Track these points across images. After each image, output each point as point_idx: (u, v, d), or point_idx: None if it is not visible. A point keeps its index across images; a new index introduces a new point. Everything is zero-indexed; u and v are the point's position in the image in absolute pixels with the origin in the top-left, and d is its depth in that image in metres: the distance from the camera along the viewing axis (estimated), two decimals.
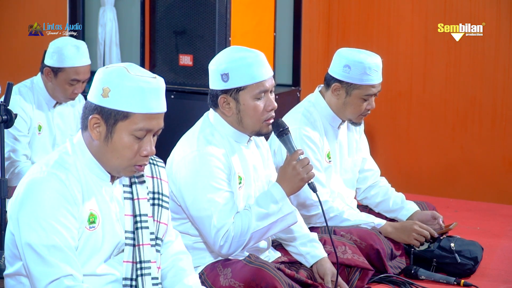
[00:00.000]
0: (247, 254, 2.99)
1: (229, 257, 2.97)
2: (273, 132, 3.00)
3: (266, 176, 3.14)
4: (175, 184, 2.92)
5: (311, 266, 3.21)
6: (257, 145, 3.15)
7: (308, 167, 2.87)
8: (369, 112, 3.67)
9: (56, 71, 4.06)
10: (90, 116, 2.27)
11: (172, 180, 2.93)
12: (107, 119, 2.26)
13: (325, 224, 3.58)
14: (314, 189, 2.90)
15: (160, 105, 2.28)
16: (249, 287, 2.84)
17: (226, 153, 2.93)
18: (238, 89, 2.91)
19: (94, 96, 2.28)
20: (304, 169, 2.86)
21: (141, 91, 2.24)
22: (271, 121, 2.96)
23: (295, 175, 2.86)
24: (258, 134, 3.01)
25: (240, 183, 2.98)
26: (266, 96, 2.94)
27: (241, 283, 2.84)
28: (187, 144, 2.95)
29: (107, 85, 2.25)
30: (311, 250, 3.20)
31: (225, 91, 2.93)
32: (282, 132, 2.93)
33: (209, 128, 2.97)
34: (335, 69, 3.62)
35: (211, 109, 3.02)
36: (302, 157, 2.89)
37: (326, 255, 3.21)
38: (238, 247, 2.87)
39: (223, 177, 2.89)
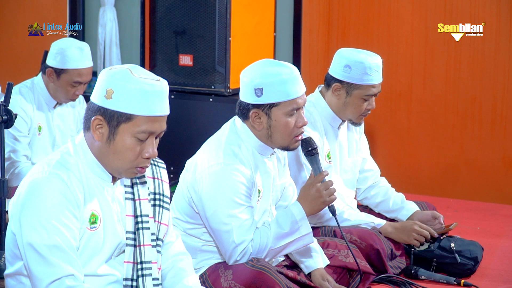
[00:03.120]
0: None
1: None
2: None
3: (281, 185, 3.15)
4: (196, 193, 2.90)
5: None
6: (277, 156, 3.13)
7: (331, 190, 2.89)
8: (369, 112, 3.67)
9: (58, 72, 4.05)
10: (93, 117, 2.27)
11: (193, 187, 2.91)
12: (110, 120, 2.26)
13: (324, 225, 3.59)
14: (333, 213, 2.93)
15: (163, 108, 2.28)
16: None
17: (251, 168, 2.92)
18: (271, 105, 2.88)
19: (97, 97, 2.28)
20: (327, 192, 2.88)
21: (145, 94, 2.24)
22: (300, 137, 2.95)
23: (317, 197, 2.88)
24: (286, 149, 2.99)
25: (258, 196, 2.98)
26: (298, 113, 2.91)
27: (242, 285, 2.83)
28: (213, 154, 2.91)
29: (110, 86, 2.25)
30: (305, 260, 3.20)
31: (257, 106, 2.90)
32: (310, 151, 2.93)
33: (236, 139, 2.94)
34: (336, 69, 3.62)
35: (237, 117, 2.99)
36: (327, 178, 2.90)
37: (321, 265, 3.19)
38: None
39: (246, 193, 2.88)
